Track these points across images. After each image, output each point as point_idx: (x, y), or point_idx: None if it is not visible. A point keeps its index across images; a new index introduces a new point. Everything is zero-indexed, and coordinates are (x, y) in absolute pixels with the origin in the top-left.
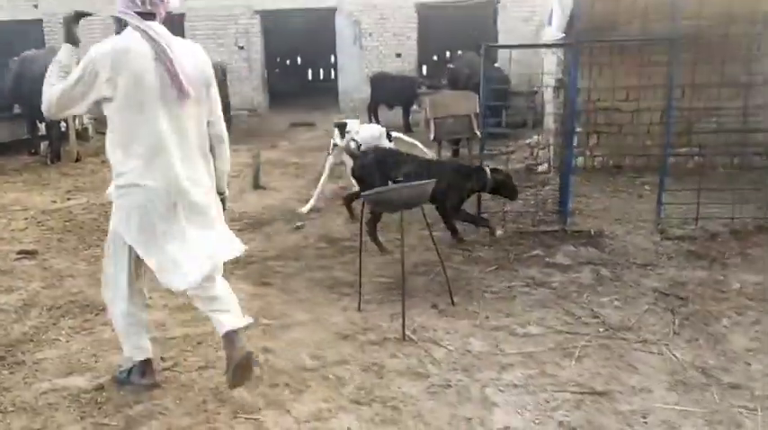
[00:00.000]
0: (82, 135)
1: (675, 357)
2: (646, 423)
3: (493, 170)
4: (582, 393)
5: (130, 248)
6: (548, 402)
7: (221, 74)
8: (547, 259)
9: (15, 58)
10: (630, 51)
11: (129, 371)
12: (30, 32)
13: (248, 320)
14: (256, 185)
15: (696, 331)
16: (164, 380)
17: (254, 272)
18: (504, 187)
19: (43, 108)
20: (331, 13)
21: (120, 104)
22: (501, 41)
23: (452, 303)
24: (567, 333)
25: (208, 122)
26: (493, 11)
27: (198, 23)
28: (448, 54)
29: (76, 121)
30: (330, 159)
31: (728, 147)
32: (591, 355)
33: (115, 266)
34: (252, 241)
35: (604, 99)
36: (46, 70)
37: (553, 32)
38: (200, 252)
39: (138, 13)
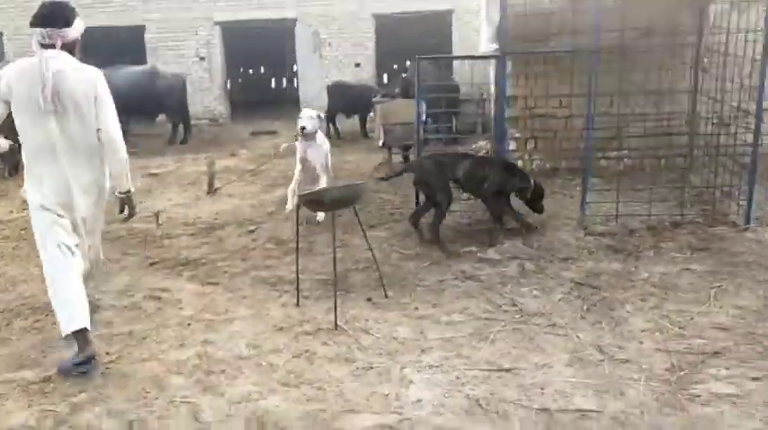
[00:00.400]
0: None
1: (578, 337)
2: (542, 393)
3: (536, 181)
4: (490, 370)
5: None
6: (459, 379)
7: (181, 85)
8: (479, 254)
9: None
10: (563, 62)
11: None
12: None
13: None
14: (210, 191)
15: (601, 315)
16: (106, 372)
17: (202, 272)
18: (538, 199)
19: None
20: (291, 23)
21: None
22: (456, 51)
23: (386, 296)
24: (487, 319)
25: (98, 130)
26: (449, 21)
27: (157, 35)
28: (408, 63)
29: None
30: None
31: (655, 150)
32: (504, 339)
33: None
34: (204, 245)
35: (540, 106)
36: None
37: (484, 45)
38: None
39: (42, 44)
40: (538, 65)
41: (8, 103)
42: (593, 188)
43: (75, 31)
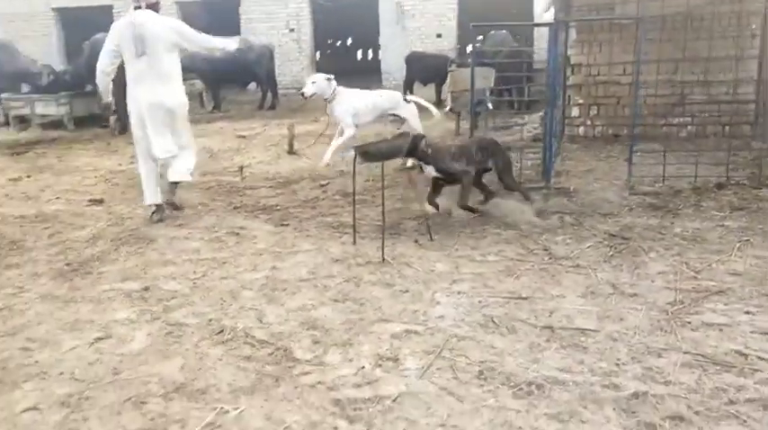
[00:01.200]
0: None
1: (596, 276)
2: (550, 316)
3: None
4: (510, 298)
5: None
6: (480, 303)
7: (269, 55)
8: (524, 206)
9: (87, 42)
10: (628, 29)
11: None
12: (100, 17)
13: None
14: (290, 152)
15: (623, 260)
16: (193, 285)
17: (276, 216)
18: None
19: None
20: None
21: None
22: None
23: (431, 239)
24: (517, 260)
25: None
26: None
27: (252, 7)
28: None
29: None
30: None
31: (719, 116)
32: (529, 275)
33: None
34: (280, 195)
35: (603, 73)
36: None
37: (538, 13)
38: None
39: (134, 7)
40: (602, 33)
41: (119, 51)
42: (649, 152)
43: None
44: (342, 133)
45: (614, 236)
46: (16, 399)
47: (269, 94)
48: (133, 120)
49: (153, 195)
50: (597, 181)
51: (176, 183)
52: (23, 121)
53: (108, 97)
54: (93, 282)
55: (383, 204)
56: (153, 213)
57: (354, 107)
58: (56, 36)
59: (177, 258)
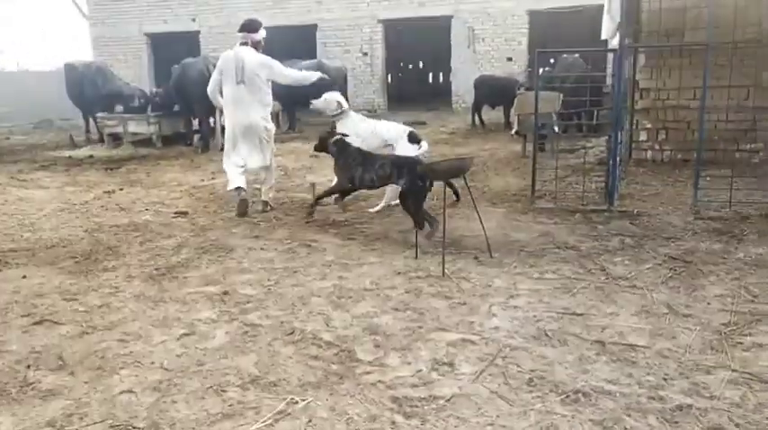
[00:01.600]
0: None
1: (652, 297)
2: (602, 331)
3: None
4: (564, 314)
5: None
6: (535, 317)
7: (342, 77)
8: (584, 230)
9: (177, 66)
10: (698, 54)
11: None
12: (189, 42)
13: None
14: None
15: (681, 282)
16: (267, 291)
17: (344, 231)
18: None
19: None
20: (447, 20)
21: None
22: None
23: (490, 256)
24: (574, 279)
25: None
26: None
27: (328, 32)
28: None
29: (222, 119)
30: None
31: None
32: (584, 293)
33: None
34: (348, 211)
35: (672, 98)
36: (200, 74)
37: (603, 36)
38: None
39: (241, 43)
40: (672, 58)
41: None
42: (718, 176)
43: (259, 35)
44: None
45: (675, 259)
46: (115, 383)
47: None
48: (227, 135)
49: (236, 180)
50: (662, 205)
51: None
52: (117, 139)
53: (219, 104)
54: (179, 286)
55: (444, 221)
56: (236, 190)
57: (356, 129)
58: (146, 59)
59: (253, 266)
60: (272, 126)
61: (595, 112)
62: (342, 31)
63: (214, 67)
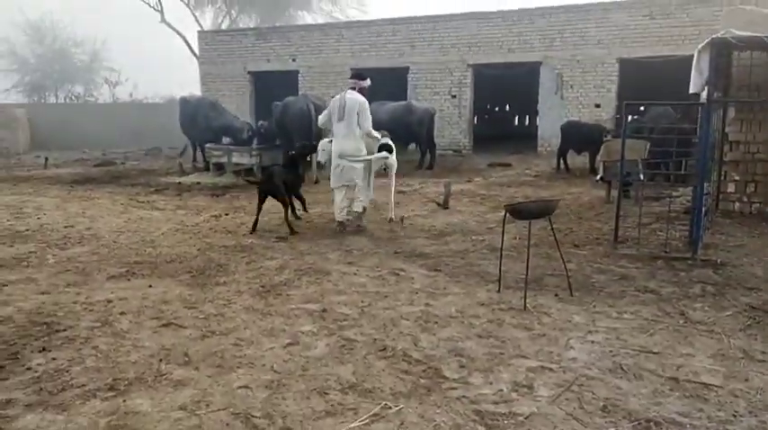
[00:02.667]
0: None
1: (730, 342)
2: (678, 370)
3: None
4: (640, 351)
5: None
6: (611, 352)
7: (430, 118)
8: (665, 276)
9: (278, 103)
10: None
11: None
12: (288, 81)
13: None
14: (444, 207)
15: (761, 330)
16: (360, 312)
17: (431, 262)
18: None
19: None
20: (536, 66)
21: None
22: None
23: (571, 294)
24: (653, 320)
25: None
26: None
27: (418, 75)
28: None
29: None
30: None
31: None
32: (662, 334)
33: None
34: (434, 245)
35: (762, 151)
36: (300, 112)
37: (691, 91)
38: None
39: (350, 87)
40: (762, 111)
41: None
42: None
43: (366, 83)
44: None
45: (755, 308)
46: (233, 379)
47: (428, 155)
48: (333, 163)
49: (339, 214)
50: (746, 256)
51: (358, 212)
52: (220, 168)
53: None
54: (283, 301)
55: (528, 256)
56: (337, 225)
57: None
58: (248, 95)
59: (348, 289)
60: (364, 152)
61: (683, 163)
62: (432, 74)
63: (314, 104)
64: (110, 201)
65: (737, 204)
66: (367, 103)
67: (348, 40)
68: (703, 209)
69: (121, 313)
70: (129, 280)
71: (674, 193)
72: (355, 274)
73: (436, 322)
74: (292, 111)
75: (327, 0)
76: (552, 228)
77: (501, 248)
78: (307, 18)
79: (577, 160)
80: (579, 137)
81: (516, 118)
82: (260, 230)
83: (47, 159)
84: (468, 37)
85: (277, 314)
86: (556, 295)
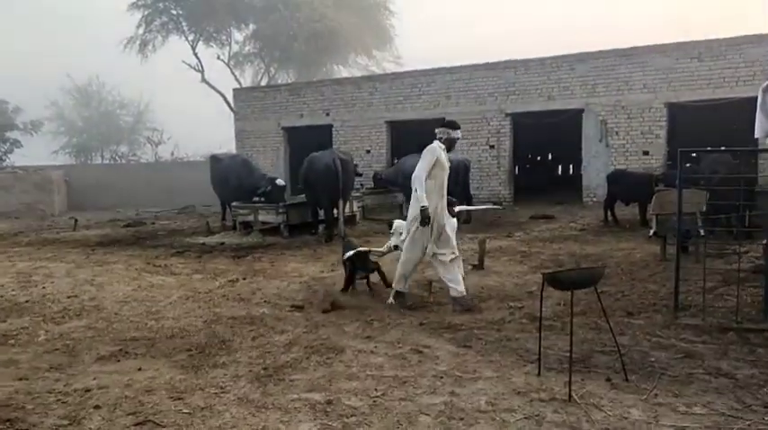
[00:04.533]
0: (350, 220)
1: None
2: None
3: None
4: None
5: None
6: None
7: (464, 169)
8: (739, 354)
9: (306, 158)
10: None
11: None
12: (322, 135)
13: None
14: (479, 267)
15: None
16: (373, 404)
17: (460, 336)
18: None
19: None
20: (579, 113)
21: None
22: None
23: (626, 379)
24: (730, 416)
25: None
26: (754, 108)
27: None
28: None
29: (347, 209)
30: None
31: None
32: None
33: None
34: (464, 314)
35: None
36: (326, 167)
37: (757, 135)
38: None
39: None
40: None
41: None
42: None
43: (456, 134)
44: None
45: None
46: None
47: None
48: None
49: (400, 283)
50: None
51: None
52: (247, 227)
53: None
54: (284, 389)
55: (571, 334)
56: (395, 295)
57: None
58: (282, 150)
59: (361, 372)
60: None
61: (747, 214)
62: (469, 124)
63: (341, 160)
64: (125, 265)
65: None
66: (433, 150)
67: (381, 93)
68: None
69: (96, 407)
70: (118, 360)
71: (741, 249)
72: (372, 352)
73: (462, 418)
74: (317, 166)
75: (364, 54)
76: (599, 296)
77: (540, 322)
78: (343, 73)
79: (627, 211)
80: (627, 186)
81: (560, 167)
82: (275, 296)
83: (76, 221)
84: (505, 85)
85: (274, 407)
86: (608, 379)
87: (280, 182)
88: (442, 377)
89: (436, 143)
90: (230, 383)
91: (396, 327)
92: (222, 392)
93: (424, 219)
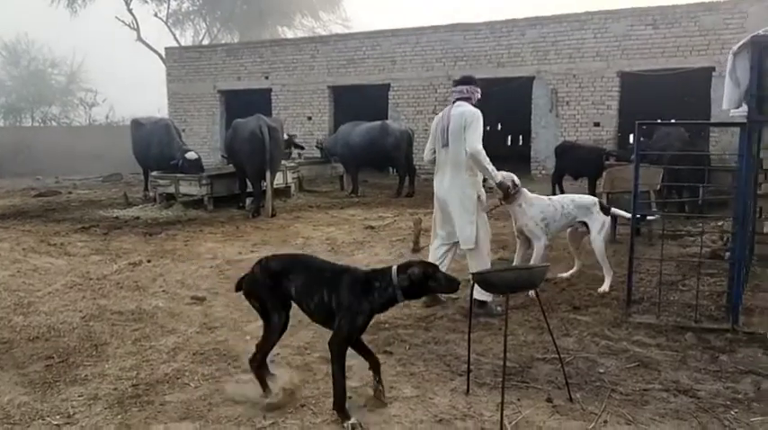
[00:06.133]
0: (284, 192)
1: None
2: None
3: (401, 268)
4: None
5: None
6: None
7: (407, 139)
8: (700, 362)
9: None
10: None
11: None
12: (261, 100)
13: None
14: (415, 249)
15: None
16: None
17: (381, 338)
18: (423, 286)
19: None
20: (529, 81)
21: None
22: (714, 112)
23: (570, 399)
24: None
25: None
26: (708, 80)
27: (400, 92)
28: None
29: (282, 180)
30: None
31: None
32: None
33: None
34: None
35: None
36: (251, 135)
37: (723, 106)
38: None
39: (459, 98)
40: None
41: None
42: None
43: (477, 91)
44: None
45: None
46: None
47: (406, 181)
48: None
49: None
50: None
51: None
52: (169, 199)
53: None
54: (148, 418)
55: (505, 351)
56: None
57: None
58: (219, 115)
59: (251, 390)
60: (471, 193)
61: (700, 191)
62: (415, 91)
63: (269, 127)
64: (13, 244)
65: None
66: (481, 115)
67: (324, 56)
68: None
69: None
70: None
71: (693, 230)
72: (272, 362)
73: None
74: (242, 133)
75: (310, 16)
76: (539, 299)
77: (468, 334)
78: (288, 35)
79: (576, 186)
80: (577, 160)
81: (509, 137)
82: (178, 284)
83: None
84: (453, 50)
85: None
86: (548, 400)
87: (191, 155)
88: (350, 397)
89: (469, 106)
90: (82, 409)
91: (307, 327)
92: (67, 423)
93: (506, 193)
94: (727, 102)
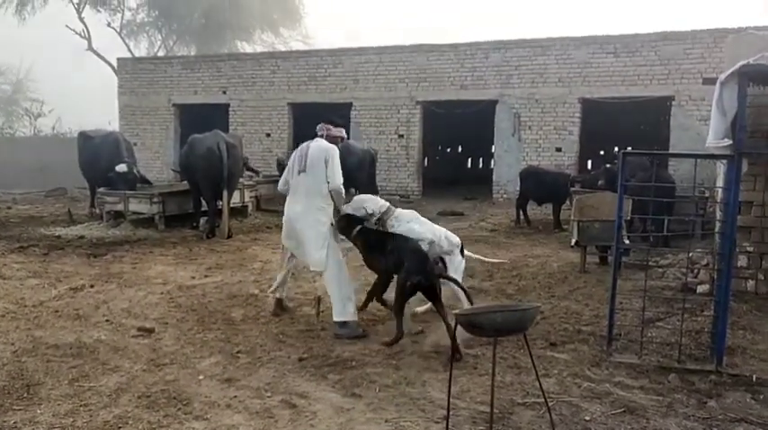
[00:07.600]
0: (241, 212)
1: None
2: None
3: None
4: None
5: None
6: None
7: (370, 160)
8: (688, 408)
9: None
10: None
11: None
12: (218, 115)
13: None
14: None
15: None
16: None
17: (348, 378)
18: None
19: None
20: (492, 105)
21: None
22: (674, 143)
23: None
24: None
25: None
26: (667, 109)
27: (363, 112)
28: (616, 149)
29: (238, 198)
30: None
31: None
32: None
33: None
34: (359, 341)
35: None
36: (208, 151)
37: (712, 139)
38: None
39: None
40: None
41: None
42: None
43: (339, 132)
44: None
45: None
46: None
47: None
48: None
49: (279, 288)
50: None
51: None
52: (118, 217)
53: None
54: None
55: (492, 399)
56: (276, 301)
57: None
58: (173, 130)
59: None
60: (325, 220)
61: (665, 222)
62: (377, 111)
63: (227, 144)
64: None
65: (751, 282)
66: (338, 152)
67: (284, 72)
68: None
69: None
70: None
71: (662, 261)
72: (228, 406)
73: None
74: (199, 150)
75: (270, 31)
76: (527, 343)
77: (450, 375)
78: (247, 50)
79: (539, 211)
80: (541, 185)
81: (470, 160)
82: (123, 313)
83: None
84: (416, 71)
85: None
86: None
87: (120, 167)
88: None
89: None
90: None
91: (268, 364)
92: None
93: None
94: (714, 133)
